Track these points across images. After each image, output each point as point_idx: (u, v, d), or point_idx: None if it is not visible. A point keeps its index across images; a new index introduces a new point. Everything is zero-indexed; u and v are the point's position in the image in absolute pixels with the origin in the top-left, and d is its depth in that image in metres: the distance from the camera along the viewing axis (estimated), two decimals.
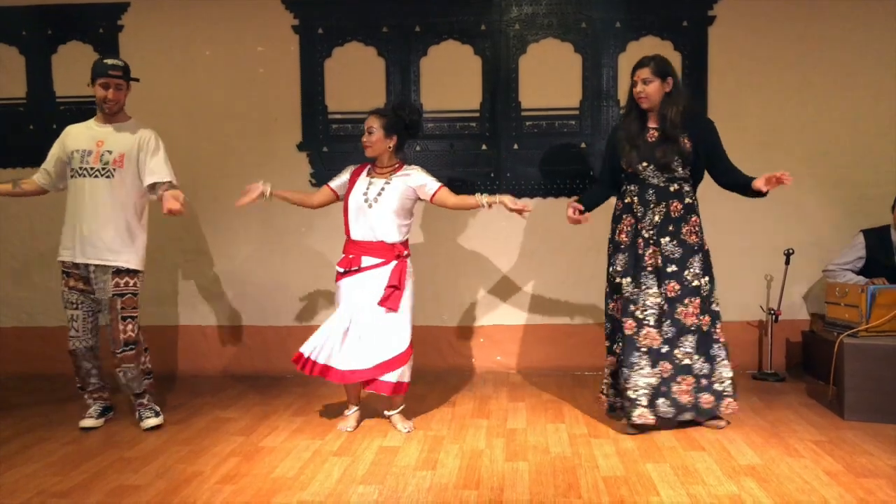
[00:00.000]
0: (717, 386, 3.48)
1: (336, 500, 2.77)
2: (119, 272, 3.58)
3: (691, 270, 3.42)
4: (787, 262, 4.48)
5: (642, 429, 3.45)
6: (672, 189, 3.46)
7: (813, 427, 3.54)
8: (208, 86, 4.80)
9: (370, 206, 3.57)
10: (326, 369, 3.54)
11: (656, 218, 3.44)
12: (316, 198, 3.80)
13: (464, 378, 4.69)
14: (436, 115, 4.78)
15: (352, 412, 3.71)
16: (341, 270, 3.62)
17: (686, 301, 3.41)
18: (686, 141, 3.44)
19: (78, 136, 3.64)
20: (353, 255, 3.60)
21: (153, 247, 4.77)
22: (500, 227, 4.77)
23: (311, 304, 4.85)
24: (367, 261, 3.57)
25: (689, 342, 3.42)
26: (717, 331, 3.49)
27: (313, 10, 4.75)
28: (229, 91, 4.80)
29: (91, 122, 3.69)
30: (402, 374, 3.57)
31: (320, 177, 4.78)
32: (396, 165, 3.66)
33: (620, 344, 3.48)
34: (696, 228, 3.46)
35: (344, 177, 3.75)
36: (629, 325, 3.43)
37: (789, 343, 4.75)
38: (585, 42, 4.69)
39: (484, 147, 4.78)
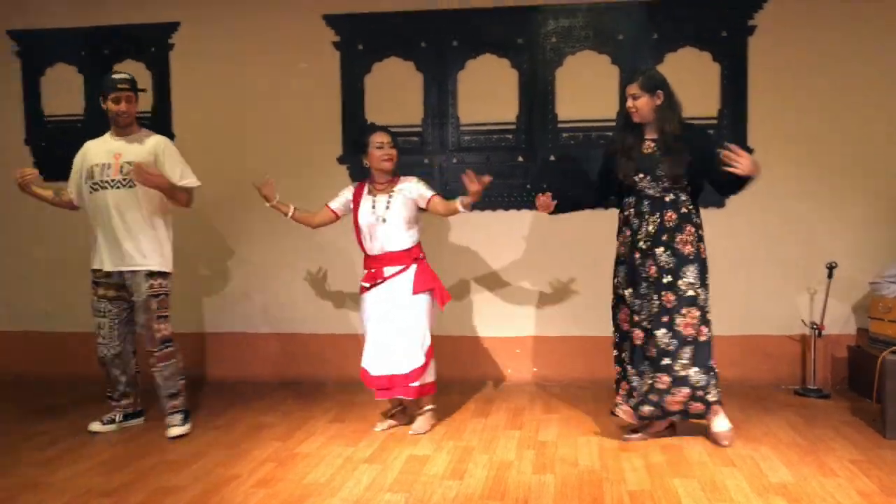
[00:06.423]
0: (709, 397, 3.48)
1: None
2: (152, 275, 3.78)
3: (685, 280, 3.42)
4: (830, 276, 4.37)
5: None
6: (668, 199, 3.48)
7: (852, 445, 3.46)
8: (254, 100, 4.97)
9: (383, 220, 3.74)
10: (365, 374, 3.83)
11: (650, 228, 3.47)
12: (317, 217, 3.99)
13: (499, 389, 4.71)
14: (472, 128, 4.83)
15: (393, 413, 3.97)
16: (367, 285, 3.83)
17: (684, 311, 3.42)
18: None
19: (97, 151, 3.83)
20: (374, 269, 3.80)
21: (197, 253, 5.00)
22: (538, 238, 4.80)
23: (352, 312, 4.95)
24: (388, 271, 3.77)
25: (686, 354, 3.43)
26: (709, 339, 3.50)
27: (354, 27, 4.87)
28: (273, 105, 4.95)
29: (107, 137, 3.86)
30: (424, 378, 3.76)
31: None
32: (395, 179, 3.85)
33: (628, 353, 3.58)
34: (691, 238, 3.45)
35: (345, 196, 3.93)
36: (637, 335, 3.51)
37: (835, 359, 4.63)
38: (622, 54, 4.68)
39: (520, 159, 4.81)
